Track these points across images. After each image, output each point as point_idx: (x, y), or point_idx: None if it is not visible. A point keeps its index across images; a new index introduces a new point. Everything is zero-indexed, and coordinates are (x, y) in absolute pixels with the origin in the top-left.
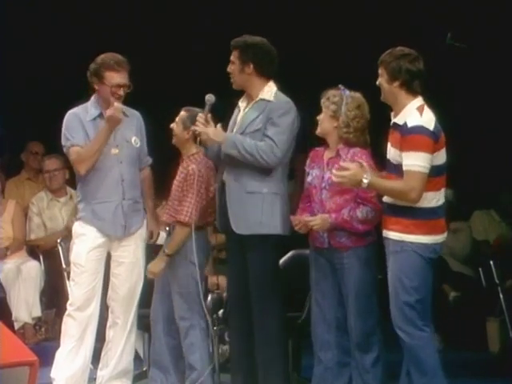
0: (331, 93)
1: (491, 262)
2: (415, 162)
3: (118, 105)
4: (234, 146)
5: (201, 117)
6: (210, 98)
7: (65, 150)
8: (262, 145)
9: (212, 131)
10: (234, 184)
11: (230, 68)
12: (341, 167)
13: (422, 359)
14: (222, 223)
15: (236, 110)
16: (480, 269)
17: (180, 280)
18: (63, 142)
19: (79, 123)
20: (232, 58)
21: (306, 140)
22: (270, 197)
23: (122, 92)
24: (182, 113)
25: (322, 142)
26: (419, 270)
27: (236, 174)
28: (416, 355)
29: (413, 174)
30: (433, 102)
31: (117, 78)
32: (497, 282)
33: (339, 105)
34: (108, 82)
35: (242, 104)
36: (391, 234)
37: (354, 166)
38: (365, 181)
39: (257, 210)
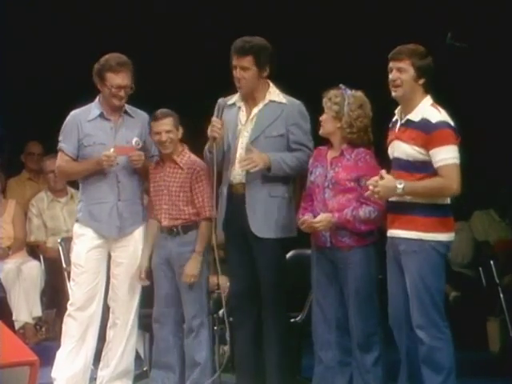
0: (333, 93)
1: (491, 262)
2: (450, 154)
3: (113, 154)
4: (280, 168)
5: (218, 122)
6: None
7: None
8: (301, 155)
9: (262, 162)
10: (257, 188)
11: (242, 74)
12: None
13: (439, 360)
14: (233, 226)
15: (231, 109)
16: (480, 268)
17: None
18: (59, 139)
19: (75, 128)
20: (245, 63)
21: None
22: (288, 201)
23: (122, 93)
24: (167, 120)
25: (322, 141)
26: (440, 268)
27: (260, 178)
28: (433, 356)
29: (451, 167)
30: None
31: (117, 80)
32: (497, 281)
33: (341, 105)
34: (109, 83)
35: (239, 103)
36: (405, 233)
37: (383, 176)
38: (399, 186)
39: (277, 213)
